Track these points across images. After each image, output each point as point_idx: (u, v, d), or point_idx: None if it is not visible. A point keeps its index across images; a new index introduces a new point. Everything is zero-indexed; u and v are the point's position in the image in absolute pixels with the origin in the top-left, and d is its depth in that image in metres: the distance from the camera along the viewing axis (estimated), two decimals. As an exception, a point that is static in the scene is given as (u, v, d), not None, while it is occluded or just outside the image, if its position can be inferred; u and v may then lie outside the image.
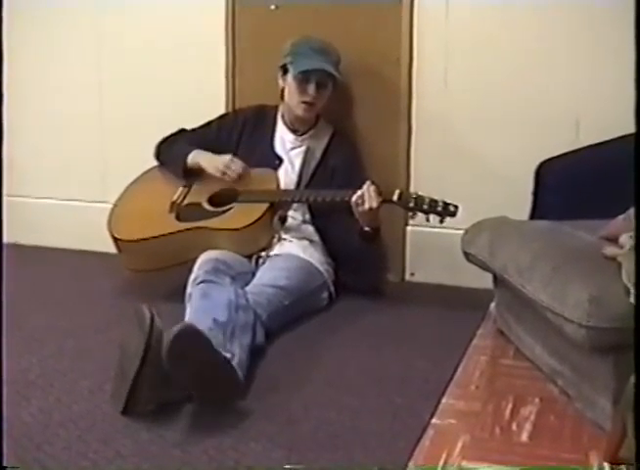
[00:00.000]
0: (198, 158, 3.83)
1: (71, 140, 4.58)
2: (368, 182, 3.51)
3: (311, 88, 3.75)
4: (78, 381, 2.91)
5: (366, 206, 3.47)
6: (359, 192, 3.49)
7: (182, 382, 2.65)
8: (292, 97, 3.81)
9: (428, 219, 3.50)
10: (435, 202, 3.46)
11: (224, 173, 3.74)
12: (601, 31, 3.64)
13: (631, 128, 3.06)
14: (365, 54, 3.98)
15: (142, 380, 2.61)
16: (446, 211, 3.45)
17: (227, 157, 3.77)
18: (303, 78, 3.75)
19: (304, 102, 3.78)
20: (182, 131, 4.02)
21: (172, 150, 3.94)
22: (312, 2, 4.04)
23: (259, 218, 3.61)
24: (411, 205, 3.49)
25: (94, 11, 4.38)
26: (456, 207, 3.45)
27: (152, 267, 3.76)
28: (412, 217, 3.58)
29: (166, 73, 4.33)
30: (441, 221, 3.48)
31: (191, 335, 2.61)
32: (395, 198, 3.51)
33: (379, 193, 3.48)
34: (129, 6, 4.33)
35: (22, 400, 2.73)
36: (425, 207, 3.47)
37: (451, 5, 3.82)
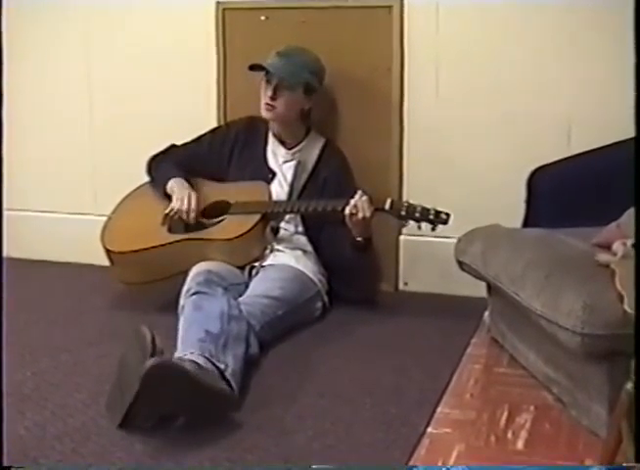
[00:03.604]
0: (173, 187, 3.81)
1: (62, 152, 4.57)
2: (360, 192, 3.52)
3: (269, 89, 3.74)
4: (73, 394, 2.90)
5: (359, 215, 3.48)
6: (352, 202, 3.49)
7: (165, 410, 2.66)
8: (261, 99, 3.82)
9: (419, 227, 3.51)
10: (427, 210, 3.47)
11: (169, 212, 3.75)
12: (592, 38, 3.65)
13: (623, 134, 3.09)
14: (356, 64, 3.98)
15: (140, 402, 2.59)
16: (438, 218, 3.46)
17: (184, 194, 3.76)
18: (266, 80, 3.76)
19: (265, 103, 3.77)
20: (172, 147, 4.02)
21: (158, 171, 3.96)
22: (302, 12, 4.04)
23: (251, 229, 3.61)
24: (403, 213, 3.50)
25: (83, 24, 4.38)
26: (448, 214, 3.46)
27: (144, 280, 3.75)
28: (404, 226, 3.59)
29: (157, 86, 4.33)
30: (433, 229, 3.48)
31: (163, 370, 2.57)
32: (387, 206, 3.52)
33: (370, 202, 3.49)
34: (118, 17, 4.33)
35: (16, 414, 2.72)
36: (416, 215, 3.48)
37: (442, 14, 3.82)
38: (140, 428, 2.63)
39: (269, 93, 3.74)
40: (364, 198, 3.49)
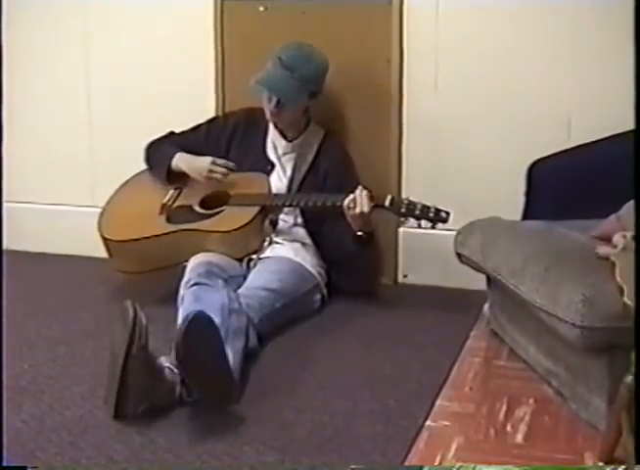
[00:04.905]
0: (180, 162, 3.82)
1: (60, 144, 4.55)
2: (360, 187, 3.51)
3: (272, 102, 3.72)
4: (70, 387, 2.90)
5: (357, 210, 3.47)
6: (351, 196, 3.49)
7: (187, 368, 2.64)
8: (263, 102, 3.80)
9: (419, 225, 3.50)
10: (427, 208, 3.46)
11: (208, 177, 3.73)
12: (593, 30, 3.63)
13: (623, 127, 3.08)
14: (355, 55, 3.96)
15: (129, 375, 2.59)
16: (438, 217, 3.45)
17: (208, 159, 3.76)
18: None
19: (270, 111, 3.76)
20: (171, 134, 4.00)
21: (158, 153, 3.93)
22: (301, 3, 4.02)
23: (250, 221, 3.59)
24: (403, 210, 3.49)
25: (82, 16, 4.36)
26: (448, 213, 3.46)
27: (141, 269, 3.74)
28: (404, 223, 3.58)
29: (155, 77, 4.31)
30: (433, 227, 3.48)
31: (205, 322, 2.66)
32: (387, 203, 3.51)
33: (371, 198, 3.48)
34: (116, 9, 4.30)
35: (14, 407, 2.71)
36: (417, 212, 3.47)
37: (441, 5, 3.81)
38: (134, 412, 2.63)
39: (271, 108, 3.74)
40: (364, 193, 3.48)
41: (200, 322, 2.65)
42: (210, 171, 3.73)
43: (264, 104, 3.77)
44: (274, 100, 3.71)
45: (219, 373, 2.67)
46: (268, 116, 3.79)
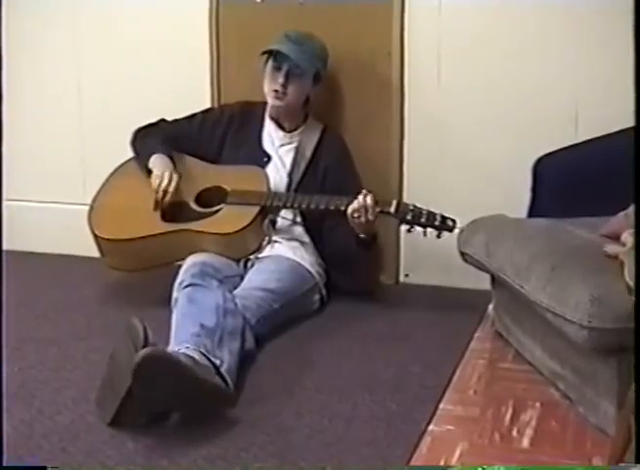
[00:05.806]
0: (155, 163, 3.72)
1: (51, 141, 4.53)
2: (364, 192, 3.48)
3: (280, 76, 3.67)
4: (61, 391, 2.87)
5: (362, 218, 3.45)
6: (355, 203, 3.45)
7: (158, 404, 2.61)
8: (265, 85, 3.74)
9: (425, 233, 3.48)
10: (434, 215, 3.45)
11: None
12: (597, 24, 3.61)
13: (631, 122, 3.02)
14: (355, 48, 3.93)
15: (133, 397, 2.55)
16: (444, 225, 3.44)
17: (166, 173, 3.66)
18: (275, 66, 3.69)
19: (274, 90, 3.71)
20: (162, 121, 3.94)
21: (143, 144, 3.86)
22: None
23: (250, 223, 3.55)
24: (409, 217, 3.47)
25: (72, 9, 4.32)
26: (454, 221, 3.44)
27: (136, 267, 3.71)
28: (408, 231, 3.52)
29: (149, 71, 4.28)
30: (439, 236, 3.46)
31: (157, 360, 2.52)
32: (393, 210, 3.48)
33: (375, 203, 3.44)
34: (109, 3, 4.28)
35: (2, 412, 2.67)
36: (422, 220, 3.45)
37: (444, -2, 3.80)
38: (132, 425, 2.59)
39: (281, 80, 3.68)
40: (368, 198, 3.44)
41: (149, 364, 2.52)
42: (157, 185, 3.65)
43: (267, 84, 3.71)
44: (283, 73, 3.66)
45: (197, 396, 2.60)
46: (271, 98, 3.72)
